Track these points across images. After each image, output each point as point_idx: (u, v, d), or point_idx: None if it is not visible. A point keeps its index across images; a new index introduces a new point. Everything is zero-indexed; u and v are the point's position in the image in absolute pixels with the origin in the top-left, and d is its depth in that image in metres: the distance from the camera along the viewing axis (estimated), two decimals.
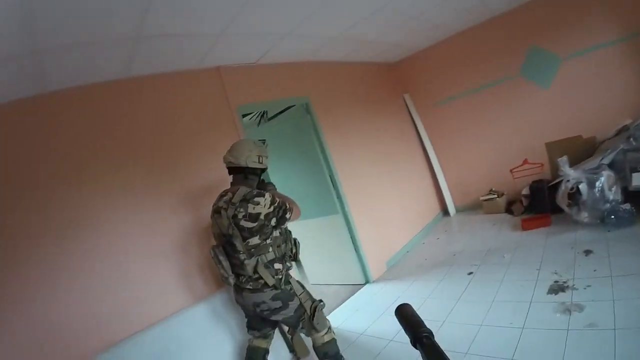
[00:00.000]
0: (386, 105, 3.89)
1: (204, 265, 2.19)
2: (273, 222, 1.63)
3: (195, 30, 1.90)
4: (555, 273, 2.22)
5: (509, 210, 3.65)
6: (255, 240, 1.60)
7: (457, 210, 4.23)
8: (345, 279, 3.18)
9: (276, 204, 1.63)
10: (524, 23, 3.30)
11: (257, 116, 3.83)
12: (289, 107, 3.10)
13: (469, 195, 4.07)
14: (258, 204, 1.57)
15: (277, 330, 2.17)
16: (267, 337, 1.94)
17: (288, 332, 2.28)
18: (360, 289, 3.01)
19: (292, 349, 2.33)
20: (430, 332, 0.59)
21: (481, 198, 3.83)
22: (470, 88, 3.79)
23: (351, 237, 2.98)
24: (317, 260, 3.35)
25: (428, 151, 4.17)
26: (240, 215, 1.56)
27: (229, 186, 1.79)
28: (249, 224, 1.57)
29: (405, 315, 0.64)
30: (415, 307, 0.66)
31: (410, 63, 4.12)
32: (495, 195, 3.75)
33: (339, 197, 2.93)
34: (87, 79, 1.92)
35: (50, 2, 1.24)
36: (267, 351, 1.94)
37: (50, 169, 1.77)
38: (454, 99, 3.92)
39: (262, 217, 1.58)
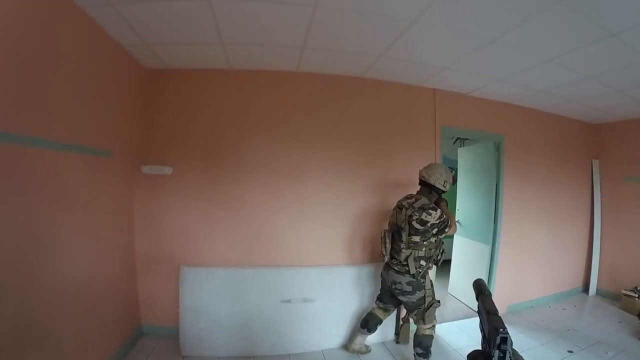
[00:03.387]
0: (569, 164, 3.82)
1: (367, 239, 2.84)
2: (434, 231, 2.12)
3: (428, 61, 2.43)
4: None
5: None
6: (416, 239, 2.13)
7: (598, 293, 3.94)
8: (466, 300, 3.54)
9: (442, 219, 2.11)
10: None
11: (456, 139, 4.31)
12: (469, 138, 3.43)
13: (617, 284, 3.74)
14: (430, 214, 2.08)
15: (392, 315, 2.69)
16: (387, 311, 2.50)
17: (402, 318, 2.80)
18: (475, 316, 3.30)
19: (397, 332, 2.86)
20: (489, 292, 0.93)
21: (623, 291, 3.54)
22: None
23: (489, 270, 3.27)
24: (454, 273, 3.84)
25: (595, 223, 3.92)
26: (414, 217, 2.10)
27: (413, 191, 2.35)
28: (418, 226, 2.10)
29: (478, 284, 1.01)
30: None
31: (612, 129, 3.86)
32: (636, 295, 3.41)
33: (495, 230, 3.22)
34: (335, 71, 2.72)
35: None
36: (381, 322, 2.52)
37: (281, 131, 2.70)
38: None
39: (429, 224, 2.08)
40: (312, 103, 2.75)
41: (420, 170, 2.28)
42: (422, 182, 2.26)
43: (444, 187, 2.22)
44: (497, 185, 3.20)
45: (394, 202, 2.47)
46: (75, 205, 1.88)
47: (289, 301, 2.59)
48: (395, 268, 2.25)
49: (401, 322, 2.82)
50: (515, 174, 3.30)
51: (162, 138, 2.64)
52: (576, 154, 3.86)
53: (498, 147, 3.22)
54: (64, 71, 1.71)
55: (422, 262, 2.19)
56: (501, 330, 0.72)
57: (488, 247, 3.25)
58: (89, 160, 1.98)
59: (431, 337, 2.27)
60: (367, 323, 2.51)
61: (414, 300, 2.22)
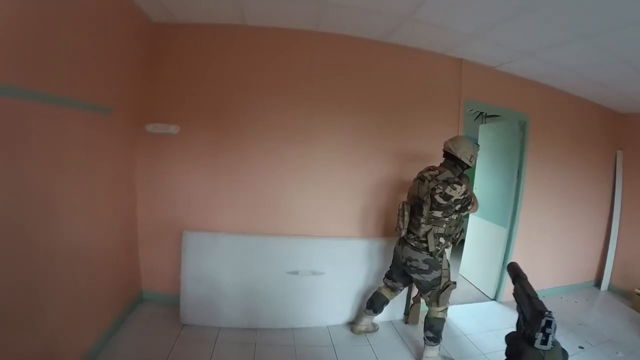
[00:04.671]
0: (592, 153, 3.63)
1: (382, 211, 2.71)
2: (457, 207, 1.97)
3: (458, 28, 2.24)
4: None
5: None
6: (437, 214, 1.98)
7: (609, 289, 3.82)
8: (477, 283, 3.43)
9: (467, 195, 1.97)
10: None
11: (477, 115, 4.10)
12: (493, 115, 3.26)
13: (630, 281, 3.61)
14: (455, 189, 1.93)
15: (402, 294, 2.57)
16: (395, 290, 2.37)
17: (413, 298, 2.68)
18: (486, 300, 3.21)
19: (407, 312, 2.74)
20: (525, 276, 0.92)
21: (636, 290, 3.42)
22: None
23: (504, 254, 3.14)
24: (467, 254, 3.73)
25: (614, 216, 3.77)
26: (437, 191, 1.95)
27: (434, 163, 2.20)
28: (441, 200, 1.95)
29: (514, 267, 1.00)
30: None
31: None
32: None
33: (514, 213, 3.07)
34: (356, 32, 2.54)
35: None
36: (387, 302, 2.39)
37: (294, 94, 2.54)
38: None
39: (452, 200, 1.94)
40: (329, 66, 2.56)
41: (446, 142, 2.12)
42: (447, 155, 2.11)
43: (470, 162, 2.07)
44: (519, 167, 3.04)
45: (413, 174, 2.32)
46: (71, 165, 1.73)
47: (295, 273, 2.47)
48: (412, 244, 2.11)
49: (411, 302, 2.70)
50: (539, 157, 3.13)
51: (168, 96, 2.48)
52: (600, 142, 3.67)
53: (523, 127, 3.05)
54: (63, 17, 1.54)
55: (442, 240, 2.05)
56: (547, 313, 0.74)
57: (505, 230, 3.11)
58: (87, 117, 1.83)
59: (443, 320, 2.15)
60: (373, 303, 2.39)
61: (429, 280, 2.09)
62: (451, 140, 2.11)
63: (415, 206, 2.10)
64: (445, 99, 2.77)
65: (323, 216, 2.63)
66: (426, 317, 2.19)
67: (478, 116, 4.16)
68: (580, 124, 3.46)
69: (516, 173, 3.06)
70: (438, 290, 2.10)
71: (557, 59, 2.53)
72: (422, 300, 2.72)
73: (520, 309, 0.88)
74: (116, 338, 2.19)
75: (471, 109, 2.92)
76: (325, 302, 2.53)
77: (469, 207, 2.04)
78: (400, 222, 2.14)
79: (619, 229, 3.78)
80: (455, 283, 2.15)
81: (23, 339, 1.45)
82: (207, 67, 2.47)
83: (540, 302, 0.81)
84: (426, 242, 2.04)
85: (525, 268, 3.05)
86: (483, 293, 3.28)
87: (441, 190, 1.96)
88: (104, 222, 2.10)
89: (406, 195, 2.29)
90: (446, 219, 2.02)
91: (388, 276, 2.37)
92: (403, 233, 2.14)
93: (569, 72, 2.74)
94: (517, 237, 3.10)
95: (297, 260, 2.47)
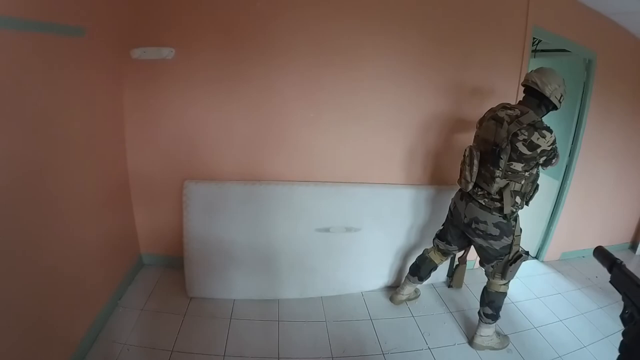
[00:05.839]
0: None
1: (430, 154, 2.27)
2: (542, 160, 1.55)
3: None
4: None
5: None
6: (518, 167, 1.55)
7: None
8: (522, 242, 3.09)
9: (555, 146, 1.54)
10: None
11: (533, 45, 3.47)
12: (562, 51, 2.71)
13: None
14: (544, 137, 1.48)
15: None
16: (447, 254, 2.01)
17: (460, 258, 2.34)
18: (528, 259, 2.89)
19: (450, 275, 2.42)
20: (622, 261, 0.81)
21: None
22: None
23: (552, 210, 2.79)
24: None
25: None
26: (521, 137, 1.50)
27: (494, 103, 1.75)
28: (525, 150, 1.50)
29: (605, 253, 0.86)
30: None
31: None
32: None
33: (569, 166, 2.66)
34: None
35: None
36: (436, 267, 2.05)
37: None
38: None
39: (539, 150, 1.50)
40: None
41: (531, 74, 1.61)
42: (530, 91, 1.61)
43: (560, 103, 1.60)
44: (580, 114, 2.58)
45: (469, 111, 1.86)
46: (32, 104, 1.24)
47: (327, 230, 2.05)
48: (481, 202, 1.68)
49: (456, 263, 2.37)
50: (602, 105, 2.65)
51: (160, 10, 1.86)
52: None
53: (588, 67, 2.54)
54: None
55: (518, 200, 1.63)
56: None
57: (557, 183, 2.72)
58: (50, 42, 1.31)
59: (505, 295, 1.81)
60: (419, 269, 2.03)
61: (497, 248, 1.69)
62: (537, 72, 1.60)
63: (487, 154, 1.63)
64: (510, 21, 2.21)
65: (362, 158, 2.17)
66: (485, 290, 1.84)
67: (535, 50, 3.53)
68: None
69: (575, 120, 2.61)
70: (506, 260, 1.72)
71: None
72: (468, 262, 2.40)
73: (628, 299, 0.79)
74: (115, 318, 1.82)
75: (539, 38, 2.38)
76: (361, 264, 2.17)
77: (553, 161, 1.62)
78: (467, 173, 1.69)
79: None
80: (527, 253, 1.78)
81: None
82: None
83: None
84: (500, 200, 1.62)
85: (572, 225, 2.47)
86: (527, 253, 2.98)
87: (526, 137, 1.50)
88: (85, 176, 1.62)
89: (473, 137, 1.82)
90: (526, 174, 1.59)
91: (440, 237, 1.98)
92: (470, 186, 1.70)
93: None
94: (570, 192, 2.72)
95: (329, 213, 2.05)
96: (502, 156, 1.55)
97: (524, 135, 1.50)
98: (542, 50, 2.98)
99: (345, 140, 2.12)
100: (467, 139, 2.09)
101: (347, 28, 1.96)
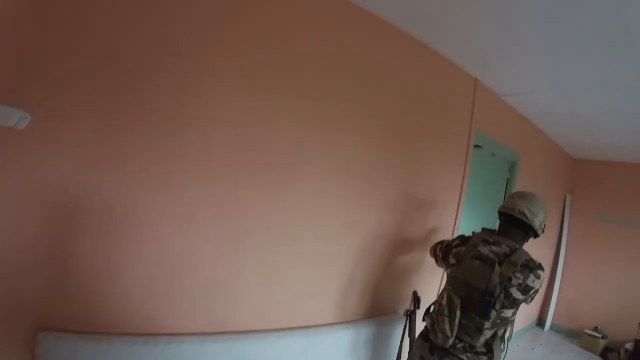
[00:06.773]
0: (550, 195, 3.59)
1: (369, 283, 1.88)
2: (529, 300, 1.37)
3: (479, 47, 1.86)
4: None
5: (604, 355, 3.42)
6: (508, 313, 1.34)
7: (551, 328, 3.91)
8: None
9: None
10: None
11: None
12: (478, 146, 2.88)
13: (574, 320, 3.78)
14: (539, 277, 1.32)
15: None
16: None
17: None
18: None
19: None
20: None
21: (586, 331, 3.57)
22: (635, 221, 3.46)
23: None
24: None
25: (560, 256, 3.86)
26: (515, 282, 1.30)
27: (442, 212, 1.75)
28: (518, 295, 1.31)
29: None
30: None
31: (587, 166, 3.86)
32: (600, 336, 3.49)
33: None
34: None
35: None
36: None
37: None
38: (613, 222, 3.61)
39: (531, 292, 1.32)
40: (329, 42, 1.60)
41: (516, 202, 1.39)
42: (510, 220, 1.41)
43: (543, 232, 1.45)
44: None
45: (415, 228, 1.60)
46: None
47: None
48: (462, 357, 1.36)
49: None
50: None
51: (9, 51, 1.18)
52: (555, 185, 3.72)
53: (512, 167, 2.71)
54: None
55: (502, 345, 1.38)
56: None
57: None
58: None
59: None
60: None
61: None
62: (523, 199, 1.39)
63: (469, 300, 1.35)
64: (458, 125, 2.19)
65: (292, 298, 1.64)
66: None
67: None
68: (550, 166, 3.41)
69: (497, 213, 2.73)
70: None
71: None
72: None
73: None
74: None
75: (479, 144, 2.40)
76: None
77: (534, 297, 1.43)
78: (447, 327, 1.36)
79: (563, 268, 3.90)
80: None
81: None
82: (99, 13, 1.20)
83: None
84: (486, 354, 1.34)
85: None
86: None
87: (521, 281, 1.28)
88: None
89: (414, 259, 1.59)
90: (513, 318, 1.36)
91: None
92: (449, 342, 1.37)
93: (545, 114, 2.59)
94: None
95: None
96: (497, 303, 1.29)
97: (519, 279, 1.28)
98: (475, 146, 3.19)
99: (272, 276, 1.58)
100: (409, 261, 1.91)
101: (288, 124, 1.56)
